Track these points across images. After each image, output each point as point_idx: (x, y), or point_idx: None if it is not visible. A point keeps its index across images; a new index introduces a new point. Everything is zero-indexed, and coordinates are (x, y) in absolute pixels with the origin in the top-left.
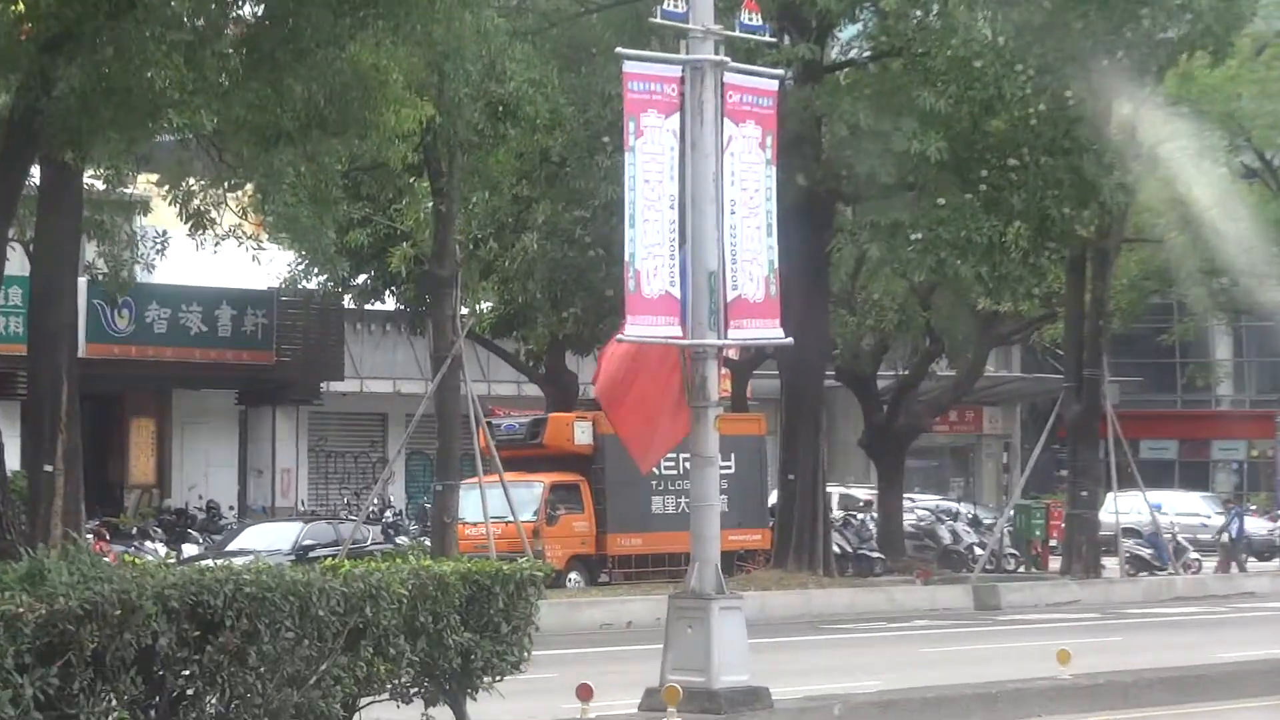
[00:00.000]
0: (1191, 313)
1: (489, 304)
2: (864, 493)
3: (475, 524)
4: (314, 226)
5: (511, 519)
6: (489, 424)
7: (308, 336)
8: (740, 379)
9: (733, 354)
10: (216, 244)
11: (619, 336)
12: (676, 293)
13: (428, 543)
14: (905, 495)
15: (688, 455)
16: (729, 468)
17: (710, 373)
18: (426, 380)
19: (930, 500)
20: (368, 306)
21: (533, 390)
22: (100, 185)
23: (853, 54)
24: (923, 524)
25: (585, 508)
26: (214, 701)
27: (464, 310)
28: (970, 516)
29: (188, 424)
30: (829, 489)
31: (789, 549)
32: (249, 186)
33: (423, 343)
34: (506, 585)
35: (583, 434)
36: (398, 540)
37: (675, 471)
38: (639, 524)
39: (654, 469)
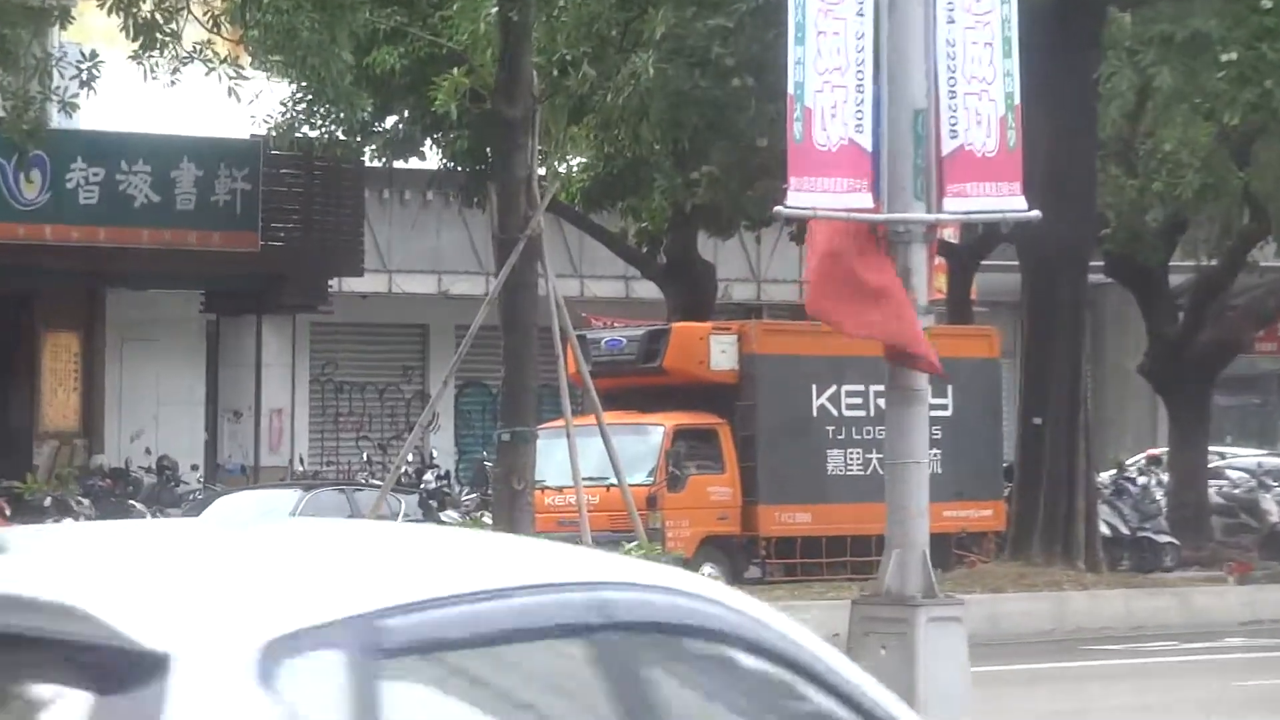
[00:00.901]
0: None
1: (582, 160)
2: (1151, 449)
3: (561, 490)
4: (320, 44)
5: (615, 483)
6: (582, 339)
7: (310, 210)
8: (962, 274)
9: (950, 235)
10: (175, 72)
11: (778, 208)
12: (866, 143)
13: (489, 519)
14: (1212, 449)
15: (879, 389)
16: (944, 408)
17: (916, 264)
18: (487, 275)
19: (1249, 456)
20: (400, 165)
21: (647, 290)
22: None
23: None
24: (1238, 491)
25: (727, 466)
26: None
27: (544, 171)
28: None
29: (129, 342)
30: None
31: (1033, 530)
32: None
33: (482, 220)
34: None
35: (723, 354)
36: (444, 516)
37: (862, 412)
38: (807, 491)
39: (831, 409)
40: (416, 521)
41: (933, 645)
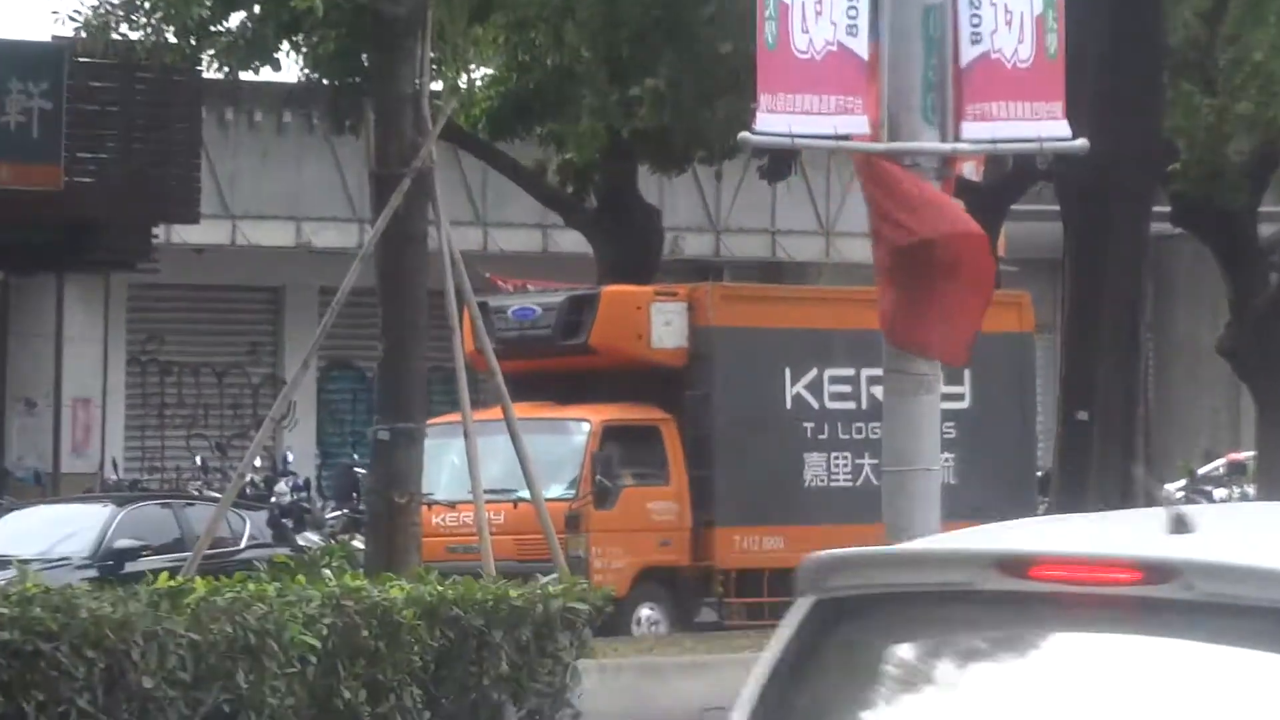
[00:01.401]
0: None
1: (488, 73)
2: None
3: (455, 507)
4: None
5: (526, 497)
6: (484, 308)
7: (130, 136)
8: (986, 221)
9: (971, 171)
10: None
11: (744, 135)
12: (861, 49)
13: (360, 544)
14: None
15: (875, 373)
16: (960, 398)
17: None
18: (361, 224)
19: None
20: (248, 77)
21: (571, 242)
22: None
23: None
24: None
25: (673, 475)
26: None
27: (438, 86)
28: None
29: None
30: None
31: None
32: None
33: (355, 150)
34: (516, 628)
35: (668, 327)
36: (302, 538)
37: (852, 404)
38: (779, 509)
39: (811, 399)
40: (264, 546)
41: None
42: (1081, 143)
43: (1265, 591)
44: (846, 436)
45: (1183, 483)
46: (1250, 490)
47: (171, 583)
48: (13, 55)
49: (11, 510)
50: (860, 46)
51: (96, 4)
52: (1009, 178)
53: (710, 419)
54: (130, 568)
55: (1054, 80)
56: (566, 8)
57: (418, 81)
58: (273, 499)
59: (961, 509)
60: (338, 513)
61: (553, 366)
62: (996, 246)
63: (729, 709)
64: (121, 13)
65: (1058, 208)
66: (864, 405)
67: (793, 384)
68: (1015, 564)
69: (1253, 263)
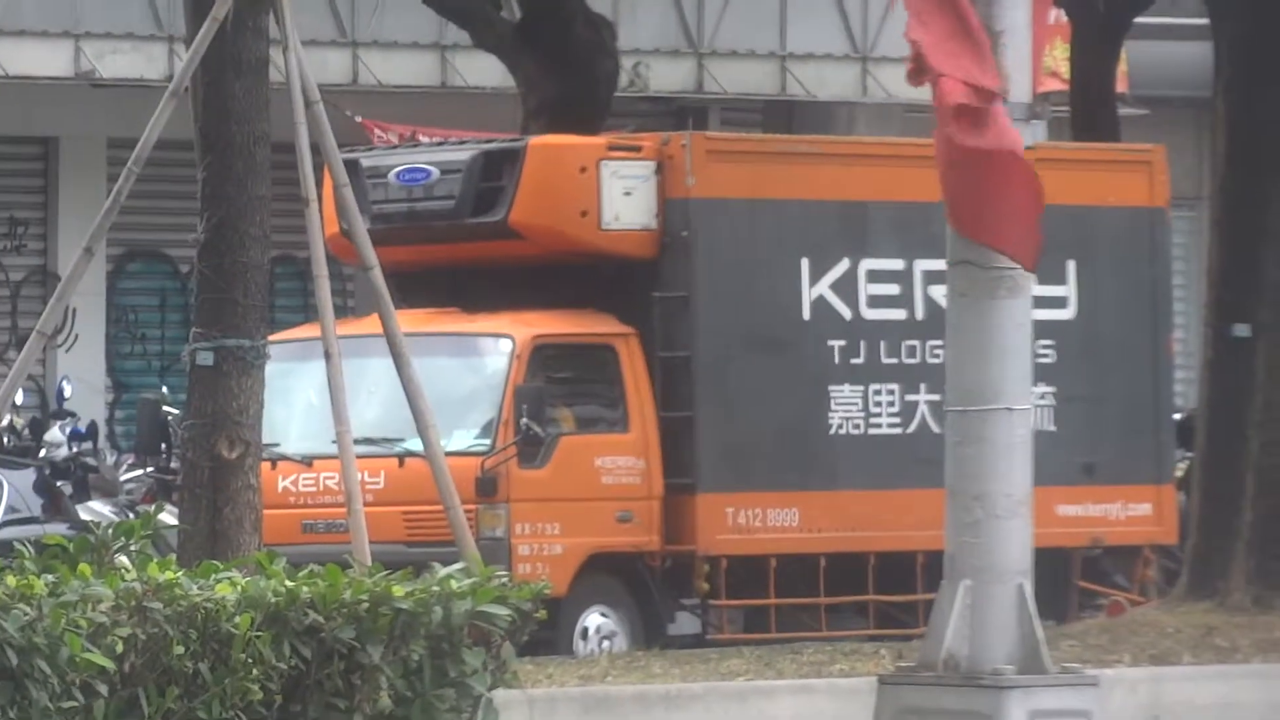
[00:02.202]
0: None
1: None
2: None
3: (311, 464)
4: None
5: (418, 449)
6: (354, 169)
7: None
8: (1101, 40)
9: None
10: None
11: None
12: None
13: (173, 517)
14: None
15: (935, 266)
16: (1061, 303)
17: (1011, 19)
18: (170, 43)
19: None
20: None
21: (481, 71)
22: None
23: None
24: None
25: (634, 417)
26: None
27: None
28: None
29: None
30: None
31: (1234, 542)
32: None
33: None
34: (403, 644)
35: (627, 198)
36: (87, 509)
37: (901, 312)
38: (792, 468)
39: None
40: (29, 522)
41: None
42: None
43: None
44: (893, 360)
45: None
46: None
47: None
48: None
49: None
50: None
51: None
52: None
53: (690, 335)
54: None
55: None
56: None
57: None
58: (42, 452)
59: (1065, 469)
60: (138, 472)
61: (457, 256)
62: (1113, 78)
63: None
64: None
65: (1206, 20)
66: (919, 314)
67: (813, 283)
68: None
69: None
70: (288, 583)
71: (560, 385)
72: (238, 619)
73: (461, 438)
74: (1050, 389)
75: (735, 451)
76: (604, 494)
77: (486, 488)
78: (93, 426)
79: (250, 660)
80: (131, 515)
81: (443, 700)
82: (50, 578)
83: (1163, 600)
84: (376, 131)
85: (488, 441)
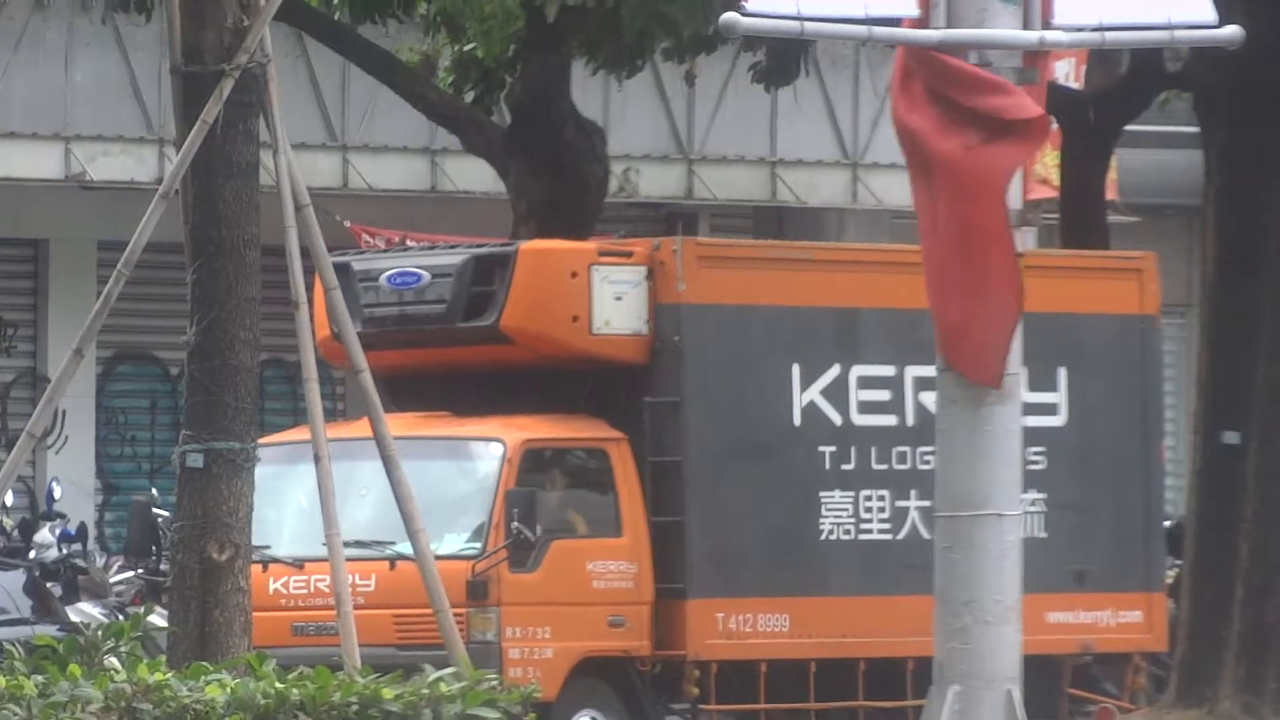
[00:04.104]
0: None
1: None
2: None
3: (302, 566)
4: None
5: (408, 553)
6: (344, 274)
7: None
8: (1091, 149)
9: (1067, 73)
10: None
11: (729, 17)
12: None
13: (162, 619)
14: None
15: (925, 373)
16: (1052, 411)
17: None
18: (161, 146)
19: None
20: None
21: (471, 176)
22: None
23: None
24: None
25: (626, 521)
26: None
27: None
28: None
29: None
30: None
31: (1223, 650)
32: None
33: (151, 38)
34: None
35: (618, 303)
36: (76, 611)
37: (893, 419)
38: (783, 573)
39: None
40: (18, 624)
41: None
42: (1233, 31)
43: None
44: (883, 466)
45: None
46: None
47: None
48: None
49: None
50: None
51: None
52: (1124, 85)
53: (681, 440)
54: None
55: None
56: None
57: None
58: (32, 553)
59: (1055, 575)
60: (128, 574)
61: (448, 360)
62: (1104, 186)
63: None
64: None
65: (1196, 129)
66: (910, 420)
67: (804, 388)
68: None
69: None
70: (277, 684)
71: (556, 491)
72: None
73: (452, 541)
74: (1041, 495)
75: (726, 557)
76: (595, 599)
77: (477, 591)
78: (82, 528)
79: None
80: (121, 617)
81: None
82: (40, 678)
83: (1152, 707)
84: (365, 236)
85: (479, 545)
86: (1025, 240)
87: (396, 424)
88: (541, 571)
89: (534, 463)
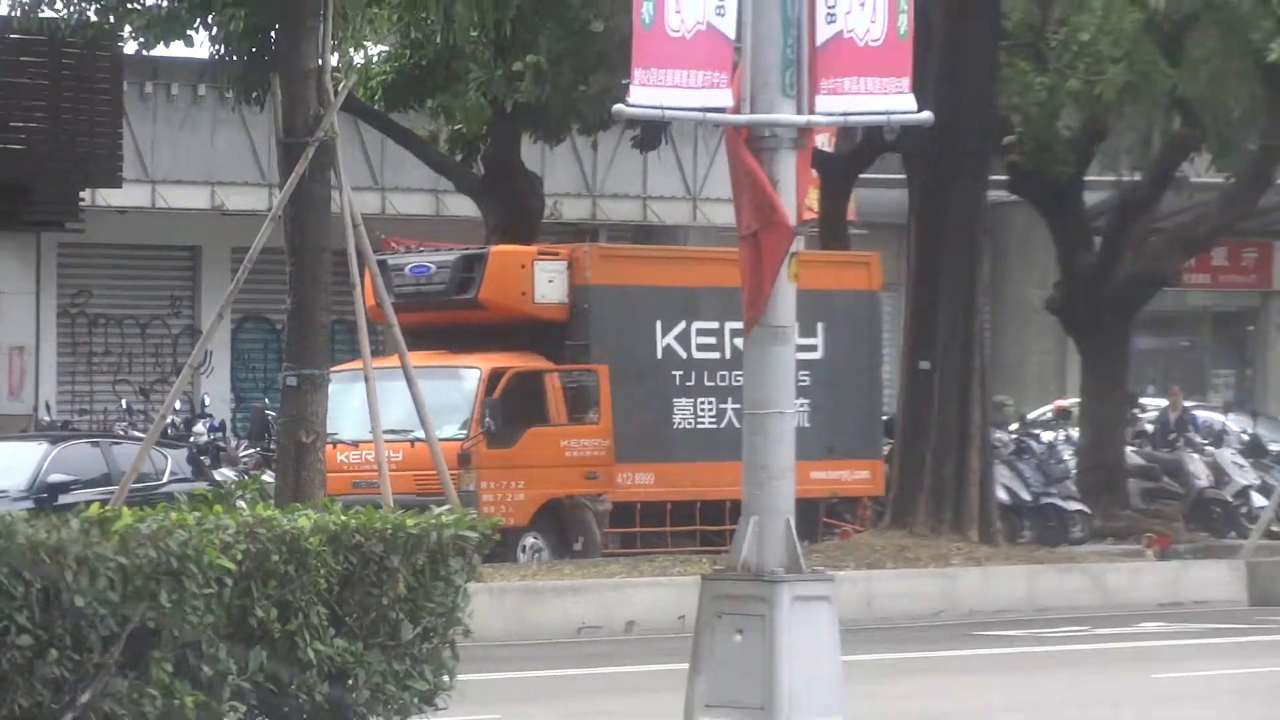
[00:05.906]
0: None
1: (383, 49)
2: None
3: (357, 445)
4: None
5: (422, 437)
6: (383, 265)
7: (58, 106)
8: (838, 188)
9: (824, 141)
10: None
11: (618, 107)
12: (728, 28)
13: (271, 478)
14: (1134, 401)
15: (737, 326)
16: (813, 349)
17: (785, 176)
18: (270, 188)
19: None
20: (164, 52)
21: (461, 206)
22: None
23: None
24: (1161, 452)
25: (550, 414)
26: None
27: (338, 60)
28: (1246, 439)
29: None
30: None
31: (918, 495)
32: None
33: (264, 120)
34: (412, 554)
35: (550, 284)
36: (219, 474)
37: (716, 354)
38: (650, 448)
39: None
40: (184, 481)
41: (797, 629)
42: (926, 115)
43: None
44: (712, 383)
45: (1015, 426)
46: (1073, 433)
47: (100, 512)
48: None
49: None
50: (727, 26)
51: None
52: (859, 148)
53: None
54: (63, 500)
55: (903, 58)
56: None
57: (319, 56)
58: (191, 439)
59: (814, 450)
60: (250, 451)
61: (446, 319)
62: (846, 211)
63: (602, 626)
64: None
65: (904, 176)
66: (727, 355)
67: (663, 336)
68: None
69: (1079, 228)
70: (342, 517)
71: (508, 399)
72: (311, 539)
73: (449, 429)
74: (806, 401)
75: (617, 440)
76: (559, 462)
77: (465, 460)
78: (222, 423)
79: (318, 565)
80: (246, 477)
81: (436, 589)
82: (197, 514)
83: (873, 530)
84: (395, 243)
85: (466, 432)
86: (798, 244)
87: (415, 358)
88: (516, 448)
89: (499, 381)
